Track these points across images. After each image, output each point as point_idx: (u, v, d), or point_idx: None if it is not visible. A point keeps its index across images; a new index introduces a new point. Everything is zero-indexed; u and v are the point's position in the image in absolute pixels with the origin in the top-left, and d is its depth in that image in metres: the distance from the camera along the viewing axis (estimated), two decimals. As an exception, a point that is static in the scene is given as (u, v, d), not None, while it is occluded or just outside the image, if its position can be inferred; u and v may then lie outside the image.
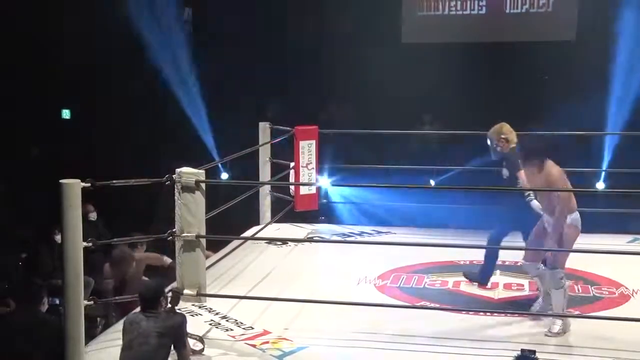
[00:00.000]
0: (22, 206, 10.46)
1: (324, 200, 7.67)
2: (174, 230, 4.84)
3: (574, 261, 5.44)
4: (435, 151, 10.25)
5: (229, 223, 6.44)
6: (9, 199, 10.64)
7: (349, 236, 7.29)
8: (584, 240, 5.54)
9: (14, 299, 7.39)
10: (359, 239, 7.14)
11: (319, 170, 7.41)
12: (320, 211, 7.90)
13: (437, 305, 5.31)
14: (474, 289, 5.74)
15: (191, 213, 4.78)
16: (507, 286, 5.82)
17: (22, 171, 10.88)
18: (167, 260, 6.18)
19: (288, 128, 7.26)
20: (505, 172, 5.40)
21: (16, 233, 9.54)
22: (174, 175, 4.80)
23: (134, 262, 6.10)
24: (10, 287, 7.64)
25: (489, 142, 5.40)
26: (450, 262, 6.35)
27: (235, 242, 6.83)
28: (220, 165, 7.01)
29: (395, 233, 7.31)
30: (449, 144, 10.05)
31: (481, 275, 5.61)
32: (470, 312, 5.20)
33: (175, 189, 4.81)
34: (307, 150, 7.18)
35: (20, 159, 11.23)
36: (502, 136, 5.39)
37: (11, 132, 11.31)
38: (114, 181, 4.70)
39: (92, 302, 4.58)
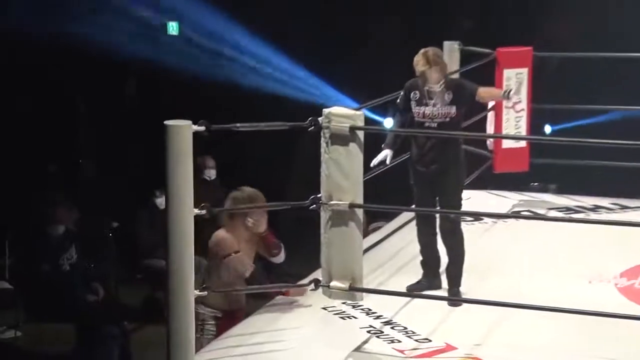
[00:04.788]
0: (112, 159, 11.04)
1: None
2: (318, 196, 4.93)
3: None
4: None
5: (394, 188, 6.50)
6: (96, 150, 11.25)
7: (578, 212, 7.21)
8: None
9: (103, 284, 7.89)
10: (592, 216, 7.03)
11: (533, 114, 7.30)
12: (533, 174, 7.80)
13: None
14: None
15: (343, 173, 4.83)
16: None
17: (113, 115, 11.44)
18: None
19: (487, 50, 7.21)
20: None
21: (105, 195, 10.08)
22: (319, 118, 4.87)
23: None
24: (98, 268, 8.13)
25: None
26: None
27: (405, 216, 6.87)
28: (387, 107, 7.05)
29: (647, 209, 7.15)
30: None
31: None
32: None
33: (322, 138, 4.88)
34: (515, 82, 7.09)
35: (112, 100, 11.76)
36: None
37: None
38: (238, 124, 4.82)
39: (205, 293, 4.76)
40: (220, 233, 5.57)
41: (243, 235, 5.59)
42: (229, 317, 5.51)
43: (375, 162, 5.66)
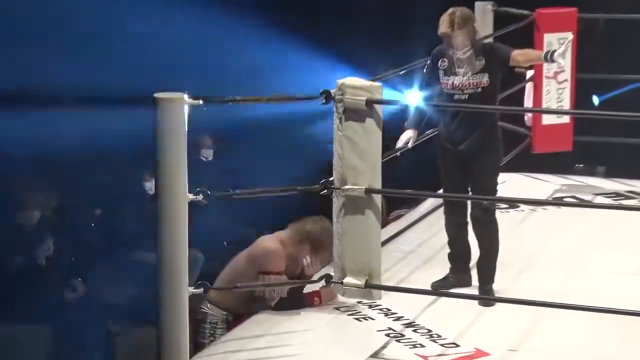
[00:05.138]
0: (95, 135, 11.01)
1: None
2: (330, 179, 4.94)
3: None
4: None
5: (418, 171, 6.49)
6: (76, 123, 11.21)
7: (629, 198, 7.23)
8: None
9: (84, 280, 7.91)
10: (645, 202, 7.04)
11: (578, 85, 7.32)
12: (577, 154, 7.83)
13: None
14: None
15: (359, 153, 4.84)
16: None
17: (97, 79, 11.39)
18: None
19: (524, 11, 7.23)
20: None
21: (87, 177, 10.06)
22: (332, 90, 4.88)
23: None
24: (79, 262, 8.14)
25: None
26: None
27: (431, 203, 6.88)
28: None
29: None
30: None
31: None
32: None
33: (335, 113, 4.89)
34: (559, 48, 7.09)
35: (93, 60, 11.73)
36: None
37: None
38: (238, 97, 4.83)
39: (201, 290, 4.78)
40: (278, 247, 5.59)
41: (290, 263, 5.62)
42: (242, 320, 5.54)
43: (400, 143, 5.65)
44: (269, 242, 5.62)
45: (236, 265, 5.65)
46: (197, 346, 5.36)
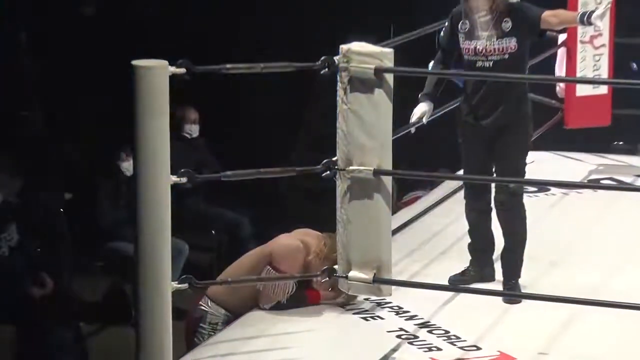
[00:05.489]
0: (65, 110, 11.05)
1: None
2: (334, 159, 4.95)
3: None
4: None
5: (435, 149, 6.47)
6: (43, 97, 11.25)
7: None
8: None
9: (53, 274, 7.94)
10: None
11: (617, 51, 7.33)
12: (616, 130, 7.84)
13: None
14: None
15: (367, 129, 4.85)
16: None
17: (65, 48, 11.43)
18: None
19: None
20: None
21: (56, 157, 10.12)
22: (335, 58, 4.88)
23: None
24: (45, 252, 8.18)
25: None
26: None
27: (449, 185, 6.90)
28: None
29: None
30: None
31: None
32: None
33: (338, 84, 4.90)
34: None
35: (64, 27, 11.76)
36: None
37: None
38: (228, 65, 4.84)
39: (185, 285, 4.79)
40: (301, 248, 5.60)
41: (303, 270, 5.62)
42: None
43: (413, 118, 5.65)
44: (291, 240, 5.63)
45: (246, 260, 5.66)
46: (193, 348, 5.37)
